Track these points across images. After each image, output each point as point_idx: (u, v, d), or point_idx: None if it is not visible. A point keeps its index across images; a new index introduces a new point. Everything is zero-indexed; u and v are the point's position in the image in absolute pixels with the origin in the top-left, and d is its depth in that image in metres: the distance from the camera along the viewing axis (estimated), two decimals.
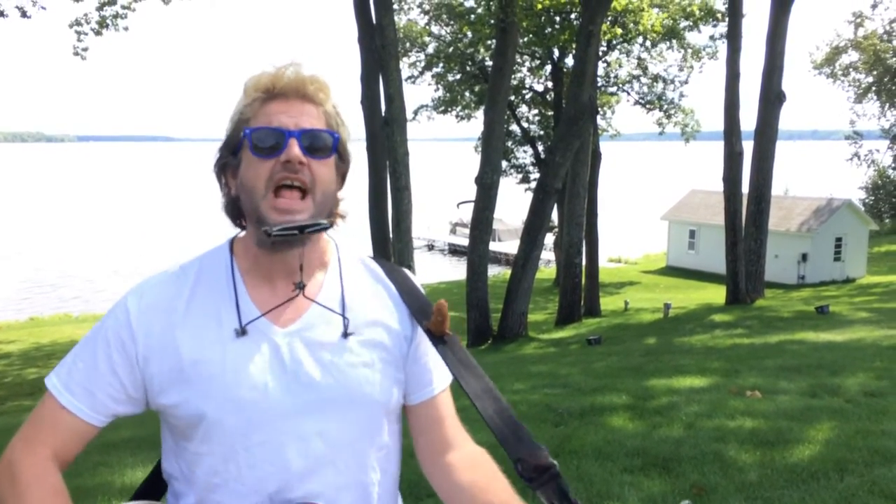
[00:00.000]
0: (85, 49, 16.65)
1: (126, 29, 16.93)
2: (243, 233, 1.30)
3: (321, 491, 1.22)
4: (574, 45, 18.27)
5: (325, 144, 1.23)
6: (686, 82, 28.89)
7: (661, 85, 29.05)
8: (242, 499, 1.21)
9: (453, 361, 1.30)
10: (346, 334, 1.26)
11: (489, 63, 24.90)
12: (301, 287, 1.25)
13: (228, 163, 1.26)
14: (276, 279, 1.27)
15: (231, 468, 1.21)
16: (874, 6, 35.82)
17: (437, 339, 1.31)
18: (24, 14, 15.42)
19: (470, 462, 1.29)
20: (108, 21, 16.46)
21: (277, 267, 1.26)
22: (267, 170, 1.19)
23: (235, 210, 1.28)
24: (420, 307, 1.34)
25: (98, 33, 16.54)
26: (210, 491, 1.23)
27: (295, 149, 1.18)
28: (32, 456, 1.20)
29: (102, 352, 1.23)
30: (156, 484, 1.38)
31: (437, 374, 1.36)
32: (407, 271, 1.41)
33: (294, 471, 1.21)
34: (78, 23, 16.31)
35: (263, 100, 1.22)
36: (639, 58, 28.54)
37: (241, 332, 1.22)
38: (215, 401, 1.20)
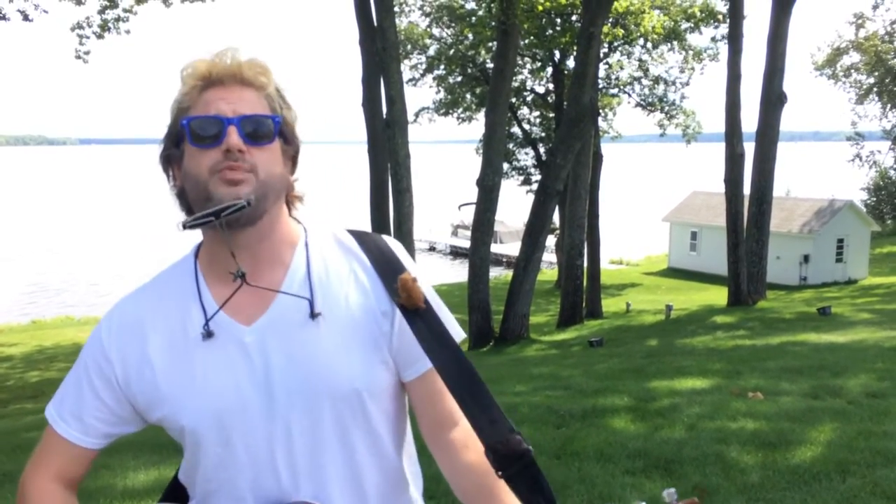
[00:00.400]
0: (87, 52, 16.69)
1: (128, 32, 16.96)
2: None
3: (313, 487, 1.21)
4: (575, 47, 18.27)
5: (267, 130, 1.19)
6: (687, 84, 28.93)
7: (662, 86, 29.08)
8: (238, 503, 1.22)
9: (425, 335, 1.23)
10: (313, 315, 1.21)
11: (490, 65, 24.92)
12: (240, 275, 1.19)
13: (172, 154, 1.22)
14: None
15: (222, 474, 1.22)
16: (875, 7, 35.88)
17: (410, 312, 1.24)
18: (25, 17, 15.45)
19: (465, 440, 1.24)
20: (110, 24, 16.49)
21: (238, 258, 1.20)
22: (209, 159, 1.15)
23: (185, 202, 1.22)
24: (394, 280, 1.26)
25: (100, 36, 16.57)
26: (208, 496, 1.25)
27: (234, 137, 1.15)
28: (38, 480, 1.26)
29: (84, 378, 1.25)
30: (175, 495, 1.40)
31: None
32: (385, 238, 1.34)
33: (283, 470, 1.20)
34: (80, 26, 16.35)
35: (201, 87, 1.19)
36: (640, 59, 28.57)
37: (207, 334, 1.20)
38: (191, 413, 1.19)
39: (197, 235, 1.27)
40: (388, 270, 1.27)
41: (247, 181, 1.15)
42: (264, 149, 1.18)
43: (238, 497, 1.22)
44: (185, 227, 1.14)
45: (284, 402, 1.19)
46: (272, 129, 1.20)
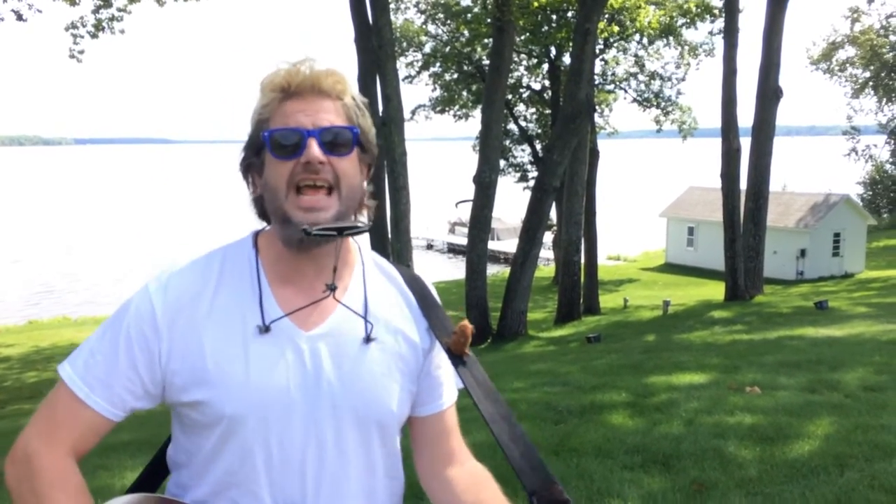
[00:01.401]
0: (81, 52, 16.64)
1: (122, 32, 16.92)
2: (268, 227, 1.28)
3: (334, 496, 1.23)
4: (571, 44, 18.26)
5: (345, 140, 1.22)
6: (683, 79, 28.96)
7: (658, 82, 29.10)
8: (256, 499, 1.21)
9: (471, 383, 1.29)
10: (368, 339, 1.25)
11: (486, 62, 24.89)
12: (332, 289, 1.23)
13: (252, 163, 1.25)
14: (301, 278, 1.25)
15: (247, 469, 1.21)
16: (870, 1, 35.86)
17: (457, 358, 1.30)
18: (20, 17, 15.42)
19: (472, 479, 1.30)
20: (104, 24, 16.45)
21: (303, 266, 1.24)
22: (288, 170, 1.18)
23: (261, 208, 1.27)
24: (439, 321, 1.33)
25: (94, 36, 16.53)
26: (225, 489, 1.23)
27: (314, 149, 1.17)
28: (52, 453, 1.17)
29: (124, 346, 1.20)
30: (155, 474, 1.38)
31: (448, 389, 1.37)
32: (425, 280, 1.40)
33: (309, 475, 1.22)
34: (74, 25, 16.29)
35: (280, 99, 1.21)
36: (636, 55, 28.59)
37: (265, 329, 1.21)
38: (236, 401, 1.19)
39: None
40: (431, 311, 1.34)
41: (327, 208, 1.19)
42: (343, 159, 1.21)
43: (258, 494, 1.21)
44: (311, 233, 1.16)
45: (327, 412, 1.22)
46: (350, 140, 1.22)
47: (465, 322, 1.29)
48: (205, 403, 1.19)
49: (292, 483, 1.21)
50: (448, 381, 1.36)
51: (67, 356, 1.25)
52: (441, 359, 1.35)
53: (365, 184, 1.29)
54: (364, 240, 1.38)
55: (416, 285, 1.36)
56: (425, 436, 1.35)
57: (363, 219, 1.29)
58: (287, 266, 1.25)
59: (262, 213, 1.27)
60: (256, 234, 1.30)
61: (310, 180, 1.18)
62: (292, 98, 1.21)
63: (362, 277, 1.31)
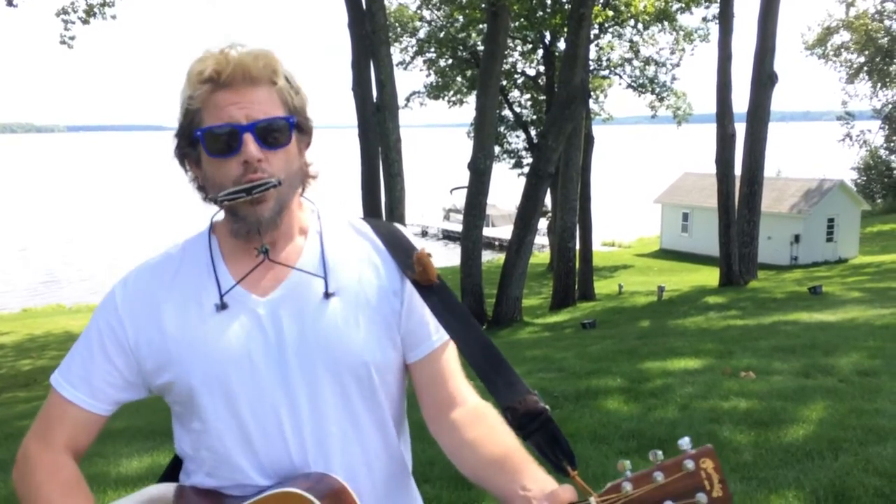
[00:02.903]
0: (72, 38, 16.52)
1: (114, 17, 16.80)
2: (222, 213, 1.28)
3: (320, 457, 1.22)
4: (566, 29, 18.18)
5: (283, 132, 1.19)
6: (678, 65, 28.84)
7: (653, 68, 29.00)
8: (245, 472, 1.22)
9: (440, 310, 1.27)
10: (327, 294, 1.24)
11: (481, 48, 24.79)
12: (264, 251, 1.23)
13: (187, 153, 1.23)
14: (252, 252, 1.25)
15: (228, 444, 1.22)
16: None
17: (425, 289, 1.28)
18: (10, 3, 15.27)
19: (472, 417, 1.27)
20: (96, 9, 16.32)
21: (255, 239, 1.23)
22: (230, 170, 1.17)
23: (206, 194, 1.26)
24: (409, 260, 1.30)
25: (85, 22, 16.40)
26: (215, 468, 1.25)
27: (251, 147, 1.15)
28: (45, 451, 1.24)
29: (96, 341, 1.25)
30: (178, 466, 1.40)
31: (435, 328, 1.32)
32: (397, 225, 1.37)
33: (291, 439, 1.21)
34: (65, 11, 16.17)
35: (210, 90, 1.17)
36: (631, 41, 28.45)
37: (222, 306, 1.22)
38: (201, 377, 1.20)
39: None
40: (400, 250, 1.31)
41: (269, 198, 1.19)
42: (280, 152, 1.19)
43: (244, 467, 1.22)
44: (219, 200, 1.18)
45: (295, 373, 1.21)
46: (288, 131, 1.21)
47: (421, 249, 1.28)
48: (174, 382, 1.22)
49: (276, 449, 1.21)
50: (434, 323, 1.31)
51: (62, 347, 1.27)
52: (422, 301, 1.30)
53: (305, 160, 1.28)
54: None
55: (385, 230, 1.35)
56: (422, 380, 1.32)
57: (308, 191, 1.30)
58: (240, 244, 1.26)
59: (207, 196, 1.27)
60: (213, 223, 1.31)
61: (252, 180, 1.16)
62: (223, 89, 1.17)
63: (319, 237, 1.29)
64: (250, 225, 1.20)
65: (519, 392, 1.19)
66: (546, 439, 1.16)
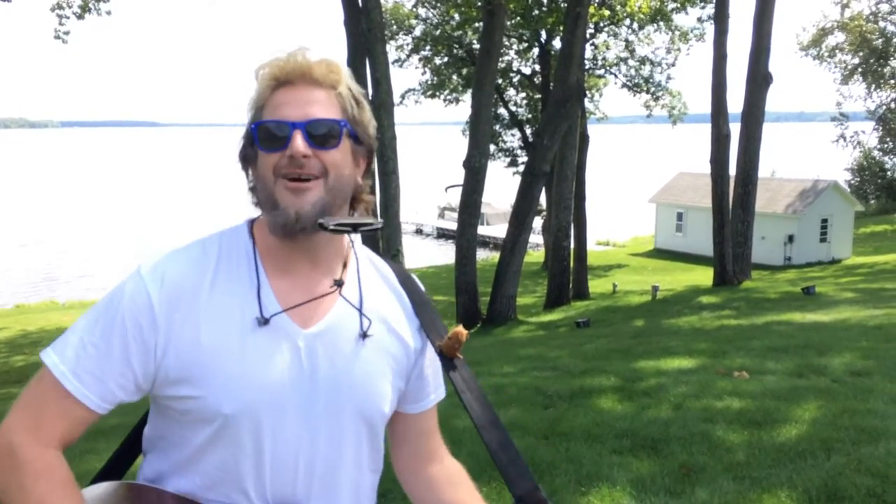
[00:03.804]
0: (66, 33, 16.44)
1: (108, 13, 16.73)
2: (262, 215, 1.24)
3: (322, 496, 1.24)
4: (561, 28, 18.19)
5: (333, 133, 1.18)
6: (673, 65, 28.94)
7: (648, 67, 29.05)
8: (247, 497, 1.20)
9: (462, 387, 1.29)
10: (364, 335, 1.24)
11: (476, 46, 24.77)
12: (340, 285, 1.23)
13: (248, 154, 1.22)
14: (296, 270, 1.23)
15: (240, 466, 1.19)
16: None
17: (448, 361, 1.30)
18: None
19: (449, 478, 1.33)
20: (91, 4, 16.25)
21: (297, 257, 1.22)
22: (273, 161, 1.17)
23: (255, 198, 1.24)
24: (431, 321, 1.32)
25: (80, 17, 16.34)
26: (216, 483, 1.21)
27: (298, 142, 1.15)
28: (38, 445, 1.13)
29: (118, 338, 1.14)
30: (125, 457, 1.36)
31: (435, 389, 1.38)
32: (416, 279, 1.39)
33: (301, 473, 1.22)
34: (59, 6, 16.10)
35: (272, 88, 1.19)
36: (626, 40, 28.50)
37: (264, 322, 1.18)
38: (232, 400, 1.16)
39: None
40: (424, 311, 1.33)
41: (313, 188, 1.16)
42: (331, 152, 1.18)
43: (247, 492, 1.20)
44: (325, 227, 1.15)
45: (321, 411, 1.21)
46: (339, 132, 1.19)
47: (461, 328, 1.30)
48: (198, 399, 1.15)
49: (284, 480, 1.21)
50: (435, 382, 1.38)
51: (53, 342, 1.22)
52: (430, 359, 1.35)
53: (360, 178, 1.25)
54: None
55: (409, 284, 1.35)
56: (407, 433, 1.37)
57: (367, 218, 1.25)
58: (282, 257, 1.23)
59: (259, 204, 1.24)
60: (252, 223, 1.27)
61: (294, 173, 1.16)
62: (283, 87, 1.18)
63: (356, 273, 1.29)
64: (288, 216, 1.16)
65: (527, 484, 1.22)
66: None
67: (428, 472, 1.33)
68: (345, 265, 1.28)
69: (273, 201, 1.17)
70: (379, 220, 1.20)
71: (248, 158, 1.23)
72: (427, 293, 1.38)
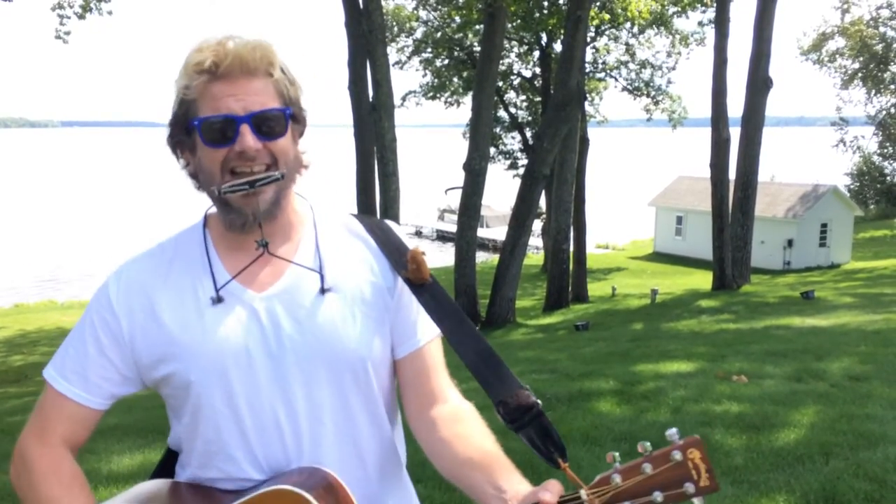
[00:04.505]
0: (67, 33, 16.44)
1: (110, 13, 16.73)
2: (214, 208, 1.28)
3: (314, 451, 1.23)
4: (562, 31, 18.19)
5: (279, 122, 1.20)
6: (674, 68, 28.91)
7: (648, 71, 29.06)
8: (239, 465, 1.23)
9: (433, 307, 1.29)
10: (323, 290, 1.25)
11: (477, 48, 24.79)
12: (263, 244, 1.23)
13: (182, 140, 1.23)
14: (248, 245, 1.25)
15: (224, 436, 1.23)
16: None
17: (417, 286, 1.30)
18: None
19: (453, 416, 1.28)
20: (92, 4, 16.26)
21: (251, 236, 1.24)
22: (222, 156, 1.17)
23: (198, 182, 1.26)
24: (401, 257, 1.31)
25: (81, 17, 16.35)
26: (209, 460, 1.25)
27: (248, 138, 1.16)
28: (43, 446, 1.23)
29: (90, 335, 1.24)
30: (171, 459, 1.40)
31: (422, 326, 1.33)
32: (390, 222, 1.39)
33: (287, 433, 1.22)
34: (60, 6, 16.11)
35: (207, 80, 1.17)
36: (627, 44, 28.52)
37: (217, 299, 1.22)
38: (199, 370, 1.20)
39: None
40: (392, 248, 1.33)
41: (268, 188, 1.19)
42: (278, 141, 1.20)
43: (238, 459, 1.23)
44: (221, 192, 1.18)
45: (291, 366, 1.22)
46: (284, 122, 1.21)
47: (415, 248, 1.30)
48: (172, 375, 1.22)
49: (271, 443, 1.22)
50: (424, 320, 1.33)
51: (54, 343, 1.26)
52: (412, 297, 1.32)
53: (299, 148, 1.28)
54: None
55: (377, 228, 1.36)
56: (406, 377, 1.34)
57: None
58: (234, 240, 1.27)
59: (201, 187, 1.26)
60: (206, 216, 1.32)
61: (246, 167, 1.17)
62: (220, 80, 1.17)
63: (314, 233, 1.31)
64: (245, 217, 1.20)
65: (511, 387, 1.20)
66: (538, 432, 1.17)
67: (431, 415, 1.29)
68: (300, 229, 1.31)
69: (224, 202, 1.19)
70: (277, 173, 1.19)
71: (180, 144, 1.24)
72: (402, 237, 1.36)
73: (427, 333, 1.34)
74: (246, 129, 1.16)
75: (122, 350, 1.24)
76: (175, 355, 1.21)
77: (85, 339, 1.25)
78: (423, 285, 1.29)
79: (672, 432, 1.04)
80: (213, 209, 1.29)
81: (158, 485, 1.32)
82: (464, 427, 1.25)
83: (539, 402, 1.19)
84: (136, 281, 1.26)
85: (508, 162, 31.00)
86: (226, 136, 1.17)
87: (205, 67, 1.16)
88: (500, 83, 26.88)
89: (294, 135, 1.25)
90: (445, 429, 1.25)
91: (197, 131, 1.18)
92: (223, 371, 1.20)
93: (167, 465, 1.39)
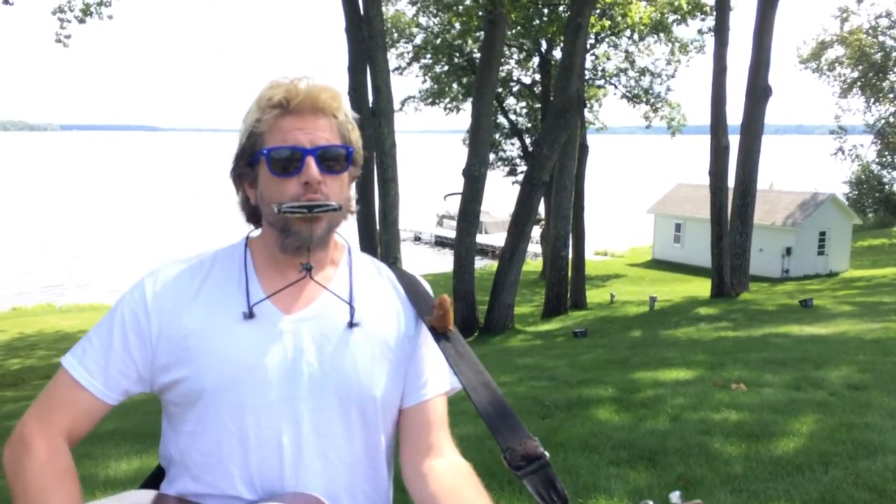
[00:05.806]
0: (67, 36, 16.43)
1: (110, 17, 16.74)
2: (257, 231, 1.34)
3: (310, 481, 1.23)
4: (562, 38, 18.23)
5: (341, 158, 1.26)
6: (673, 76, 29.00)
7: (648, 78, 29.13)
8: (232, 482, 1.23)
9: (453, 356, 1.32)
10: (351, 324, 1.28)
11: (477, 55, 24.85)
12: (308, 268, 1.28)
13: (245, 173, 1.29)
14: (287, 270, 1.29)
15: (224, 449, 1.23)
16: (860, 1, 36.02)
17: (440, 334, 1.33)
18: (6, 1, 15.22)
19: (451, 472, 1.28)
20: (92, 8, 16.27)
21: (290, 261, 1.29)
22: (289, 188, 1.22)
23: (253, 215, 1.33)
24: (426, 305, 1.36)
25: (81, 21, 16.34)
26: (203, 472, 1.25)
27: (313, 168, 1.22)
28: (46, 434, 1.23)
29: (118, 330, 1.26)
30: (160, 476, 1.40)
31: (434, 380, 1.36)
32: (418, 277, 1.43)
33: (287, 457, 1.23)
34: (61, 10, 16.10)
35: (277, 115, 1.24)
36: (626, 51, 28.59)
37: (249, 314, 1.25)
38: (214, 378, 1.22)
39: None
40: (419, 297, 1.39)
41: (324, 218, 1.25)
42: (337, 178, 1.26)
43: (234, 475, 1.23)
44: (281, 210, 1.22)
45: (305, 393, 1.24)
46: (346, 159, 1.27)
47: (444, 296, 1.33)
48: (184, 380, 1.23)
49: (269, 464, 1.23)
50: (436, 373, 1.36)
51: (52, 347, 1.26)
52: (430, 350, 1.36)
53: (351, 192, 1.33)
54: (351, 232, 1.42)
55: (406, 277, 1.41)
56: (408, 427, 1.35)
57: (320, 201, 1.29)
58: (276, 261, 1.31)
59: (251, 218, 1.34)
60: (248, 238, 1.35)
61: (313, 199, 1.22)
62: (290, 115, 1.24)
63: (349, 267, 1.35)
64: (302, 240, 1.24)
65: (520, 436, 1.23)
66: (542, 481, 1.20)
67: (427, 467, 1.28)
68: (338, 261, 1.36)
69: (285, 226, 1.24)
70: (335, 203, 1.24)
71: (242, 177, 1.30)
72: (428, 288, 1.41)
73: (437, 388, 1.37)
74: (311, 161, 1.22)
75: (146, 349, 1.26)
76: (192, 359, 1.24)
77: (112, 333, 1.26)
78: (445, 333, 1.34)
79: (675, 496, 1.06)
80: (255, 233, 1.34)
81: (145, 496, 1.32)
82: (458, 483, 1.25)
83: (547, 454, 1.22)
84: (172, 285, 1.29)
85: (508, 168, 31.03)
86: (292, 167, 1.22)
87: (276, 102, 1.23)
88: (500, 90, 26.93)
89: (350, 176, 1.31)
90: (439, 483, 1.25)
91: (265, 161, 1.23)
92: (237, 383, 1.23)
93: (157, 479, 1.39)
